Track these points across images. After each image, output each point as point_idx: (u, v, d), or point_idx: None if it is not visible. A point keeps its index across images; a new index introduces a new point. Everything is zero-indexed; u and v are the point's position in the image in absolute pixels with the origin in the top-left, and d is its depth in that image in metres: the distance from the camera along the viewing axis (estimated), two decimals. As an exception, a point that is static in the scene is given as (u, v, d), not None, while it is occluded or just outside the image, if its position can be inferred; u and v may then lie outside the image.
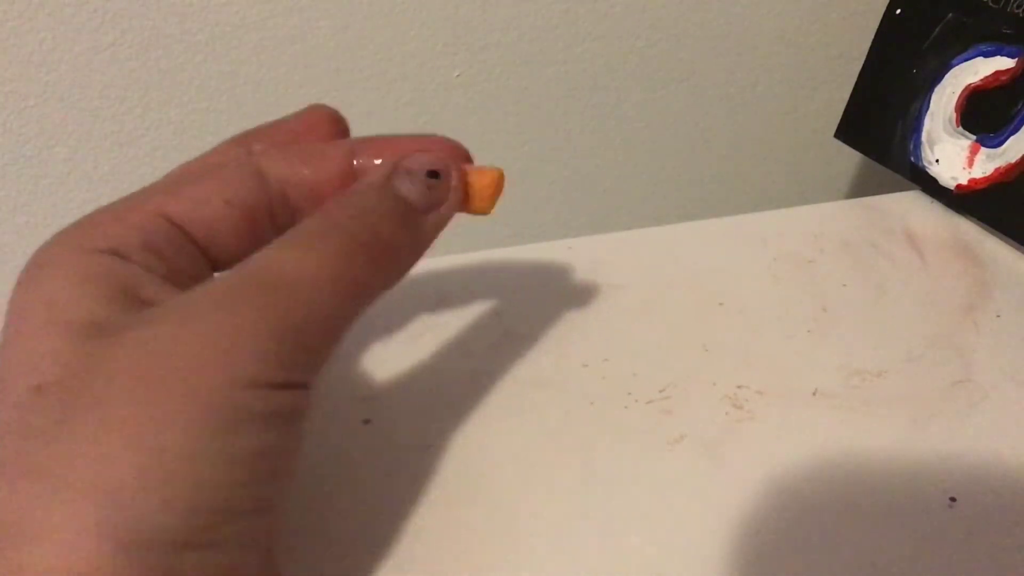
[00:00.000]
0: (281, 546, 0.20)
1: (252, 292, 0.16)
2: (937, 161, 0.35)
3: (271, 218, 0.20)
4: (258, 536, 0.16)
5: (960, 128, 0.35)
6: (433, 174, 0.20)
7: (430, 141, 0.21)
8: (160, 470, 0.14)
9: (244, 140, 0.21)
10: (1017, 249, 0.33)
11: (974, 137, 0.34)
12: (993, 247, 0.33)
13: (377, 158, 0.20)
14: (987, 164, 0.33)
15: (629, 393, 0.25)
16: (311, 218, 0.18)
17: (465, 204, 0.21)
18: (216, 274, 0.19)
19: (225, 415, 0.15)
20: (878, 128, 0.38)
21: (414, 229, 0.19)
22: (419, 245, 0.19)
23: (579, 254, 0.32)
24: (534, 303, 0.29)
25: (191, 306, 0.16)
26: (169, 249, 0.18)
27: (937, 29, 0.35)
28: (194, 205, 0.19)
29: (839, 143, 0.41)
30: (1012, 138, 0.32)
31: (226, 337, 0.15)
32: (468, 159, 0.22)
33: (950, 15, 0.35)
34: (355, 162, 0.20)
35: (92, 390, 0.15)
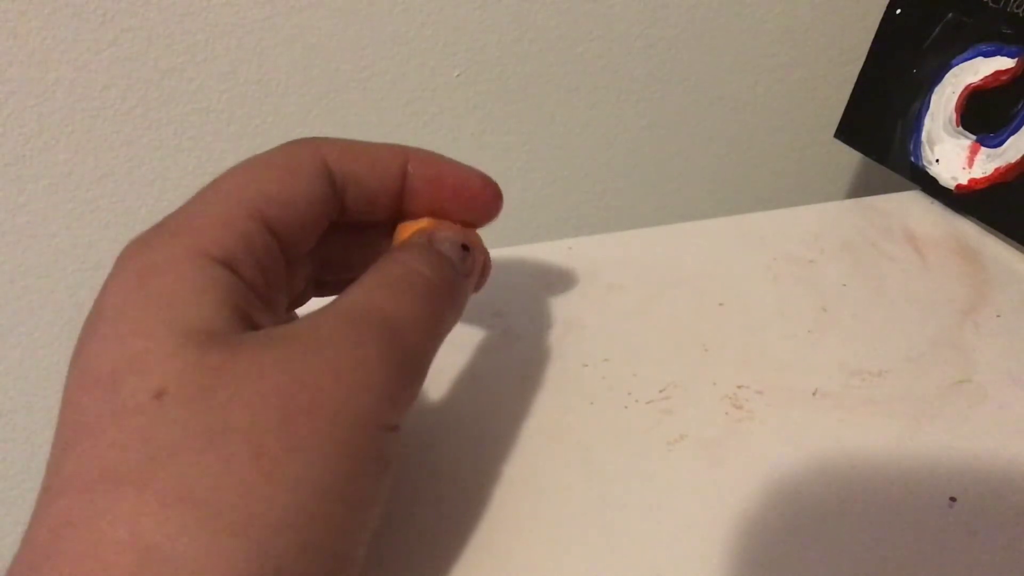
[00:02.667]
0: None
1: (371, 329, 0.17)
2: (937, 161, 0.35)
3: (331, 212, 0.20)
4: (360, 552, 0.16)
5: (960, 128, 0.35)
6: (465, 247, 0.21)
7: (471, 176, 0.22)
8: (301, 510, 0.14)
9: (311, 141, 0.20)
10: (1017, 249, 0.33)
11: (974, 137, 0.34)
12: (993, 247, 0.33)
13: (427, 172, 0.21)
14: (987, 164, 0.33)
15: (629, 393, 0.25)
16: (388, 263, 0.19)
17: None
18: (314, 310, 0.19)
19: (355, 454, 0.15)
20: (878, 128, 0.38)
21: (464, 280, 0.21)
22: (466, 294, 0.21)
23: (579, 254, 0.32)
24: (534, 303, 0.29)
25: (316, 333, 0.16)
26: (268, 259, 0.18)
27: (937, 29, 0.35)
28: (283, 209, 0.18)
29: (839, 143, 0.41)
30: (1012, 138, 0.32)
31: (355, 371, 0.16)
32: (499, 195, 0.23)
33: (950, 15, 0.35)
34: (408, 168, 0.21)
35: (217, 404, 0.14)
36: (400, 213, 0.22)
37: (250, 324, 0.16)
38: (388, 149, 0.21)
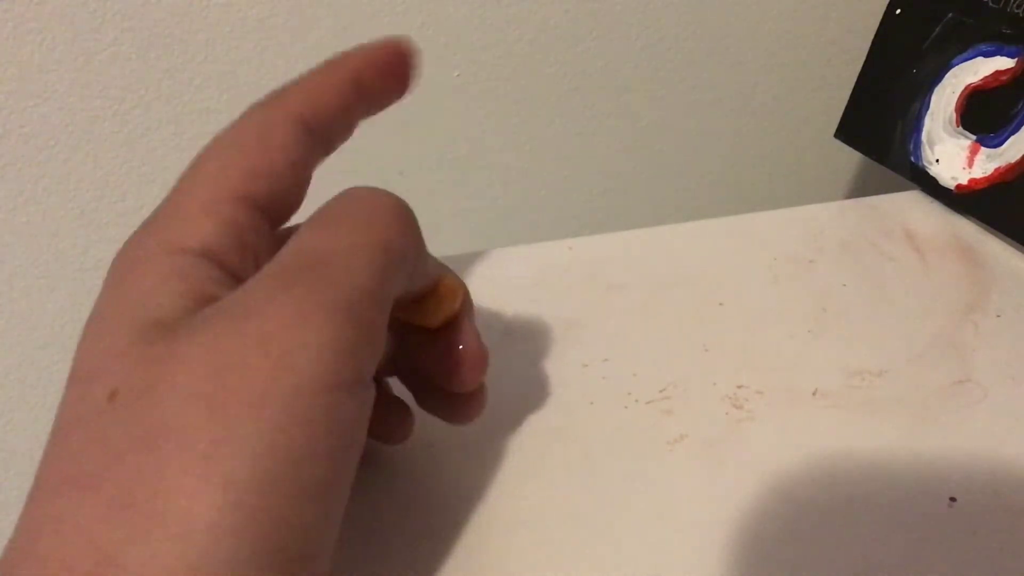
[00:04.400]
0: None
1: (298, 276, 0.15)
2: (937, 161, 0.35)
3: (310, 168, 0.19)
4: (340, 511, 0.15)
5: (960, 128, 0.35)
6: None
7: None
8: (239, 510, 0.13)
9: (276, 100, 0.20)
10: (1017, 249, 0.33)
11: (974, 137, 0.34)
12: (993, 247, 0.33)
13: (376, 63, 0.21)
14: (987, 164, 0.33)
15: (629, 393, 0.25)
16: (326, 205, 0.18)
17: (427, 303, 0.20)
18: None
19: (296, 432, 0.14)
20: (878, 128, 0.38)
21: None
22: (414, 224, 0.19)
23: (579, 254, 0.32)
24: (534, 303, 0.29)
25: (244, 299, 0.15)
26: (255, 237, 0.17)
27: (937, 29, 0.35)
28: (267, 180, 0.18)
29: (839, 143, 0.41)
30: (1012, 138, 0.32)
31: (285, 331, 0.14)
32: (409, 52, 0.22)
33: (950, 15, 0.35)
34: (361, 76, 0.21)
35: (160, 403, 0.14)
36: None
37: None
38: (334, 67, 0.20)
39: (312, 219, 0.17)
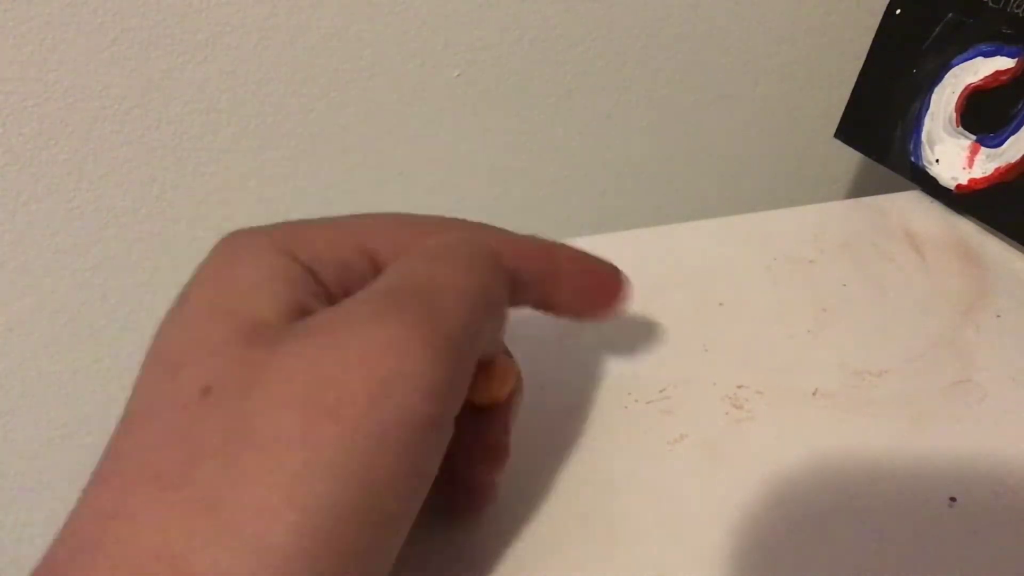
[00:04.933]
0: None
1: (404, 304, 0.15)
2: (937, 161, 0.35)
3: None
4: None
5: (960, 128, 0.35)
6: None
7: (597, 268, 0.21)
8: (318, 535, 0.13)
9: (480, 231, 0.20)
10: (1017, 249, 0.33)
11: (974, 137, 0.34)
12: (993, 247, 0.33)
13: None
14: (987, 164, 0.33)
15: (629, 393, 0.25)
16: (429, 243, 0.18)
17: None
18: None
19: (386, 465, 0.14)
20: (878, 128, 0.38)
21: None
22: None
23: (579, 254, 0.32)
24: (534, 303, 0.29)
25: (347, 317, 0.15)
26: (360, 284, 0.17)
27: (937, 29, 0.35)
28: (396, 246, 0.18)
29: (839, 143, 0.41)
30: (1012, 138, 0.32)
31: (385, 358, 0.14)
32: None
33: (950, 15, 0.35)
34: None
35: (255, 410, 0.14)
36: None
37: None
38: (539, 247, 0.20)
39: (416, 251, 0.17)
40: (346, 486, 0.13)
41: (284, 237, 0.17)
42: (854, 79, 0.40)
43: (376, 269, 0.17)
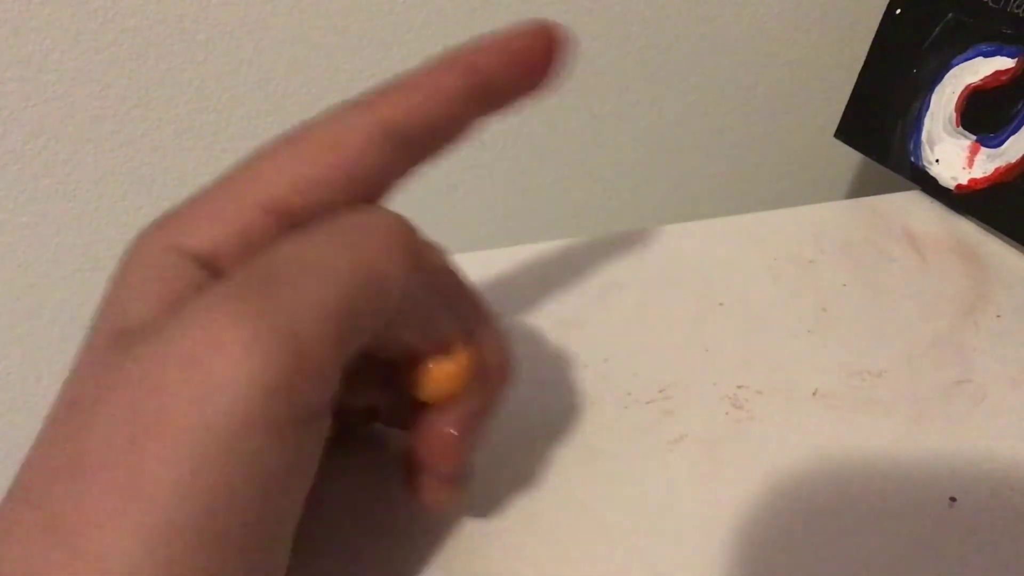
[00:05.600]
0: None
1: (245, 290, 0.14)
2: (937, 161, 0.35)
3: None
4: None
5: (960, 128, 0.35)
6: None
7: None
8: (149, 559, 0.12)
9: (365, 105, 0.17)
10: (1017, 249, 0.33)
11: (974, 137, 0.34)
12: (993, 247, 0.33)
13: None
14: (987, 164, 0.33)
15: (629, 393, 0.25)
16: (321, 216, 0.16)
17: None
18: None
19: (208, 481, 0.13)
20: (878, 128, 0.38)
21: None
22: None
23: (579, 254, 0.32)
24: (534, 303, 0.29)
25: (183, 314, 0.14)
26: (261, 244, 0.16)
27: (937, 29, 0.35)
28: (318, 193, 0.16)
29: (839, 143, 0.41)
30: (1012, 138, 0.32)
31: (208, 355, 0.13)
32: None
33: (950, 15, 0.35)
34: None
35: (95, 424, 0.13)
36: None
37: None
38: (448, 60, 0.18)
39: (296, 230, 0.15)
40: (171, 505, 0.12)
41: (170, 226, 0.16)
42: (854, 79, 0.40)
43: (288, 224, 0.16)
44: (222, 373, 0.13)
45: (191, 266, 0.15)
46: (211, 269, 0.15)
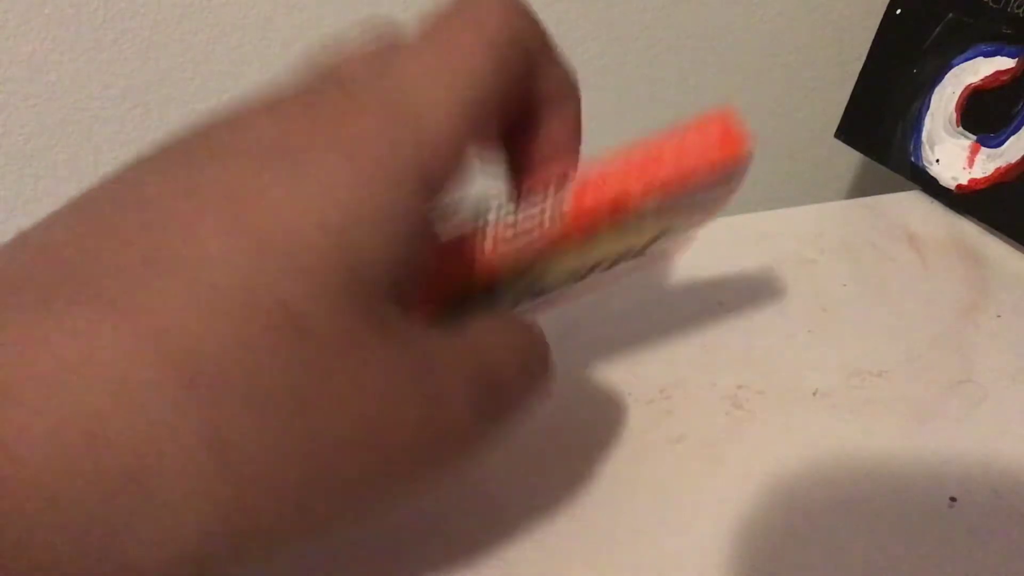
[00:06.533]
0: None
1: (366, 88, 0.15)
2: (937, 161, 0.35)
3: None
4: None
5: (960, 128, 0.35)
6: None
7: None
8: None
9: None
10: (1017, 249, 0.33)
11: (974, 137, 0.34)
12: (993, 247, 0.33)
13: None
14: (987, 164, 0.33)
15: (629, 393, 0.25)
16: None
17: None
18: None
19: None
20: (878, 128, 0.38)
21: None
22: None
23: (579, 254, 0.32)
24: (534, 303, 0.29)
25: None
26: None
27: (937, 29, 0.35)
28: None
29: (839, 143, 0.41)
30: (1012, 138, 0.32)
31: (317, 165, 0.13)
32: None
33: (950, 15, 0.35)
34: None
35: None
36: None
37: None
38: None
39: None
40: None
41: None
42: (854, 79, 0.40)
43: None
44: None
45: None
46: None
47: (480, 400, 0.16)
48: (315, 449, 0.13)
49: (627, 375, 0.26)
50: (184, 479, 0.11)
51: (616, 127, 0.49)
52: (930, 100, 0.36)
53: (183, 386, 0.11)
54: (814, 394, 0.25)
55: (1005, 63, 0.33)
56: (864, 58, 0.39)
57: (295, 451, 0.12)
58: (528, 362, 0.18)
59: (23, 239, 0.13)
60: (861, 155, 0.40)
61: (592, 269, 0.20)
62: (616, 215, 0.18)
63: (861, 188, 0.56)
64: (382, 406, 0.13)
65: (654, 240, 0.20)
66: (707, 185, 0.19)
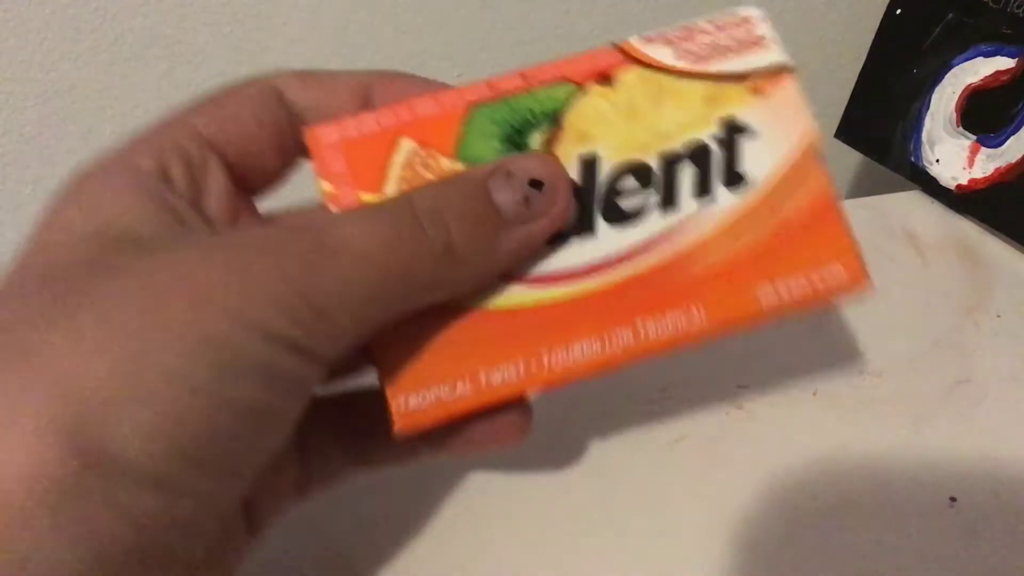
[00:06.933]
0: (279, 543, 0.20)
1: (294, 244, 0.15)
2: (937, 161, 0.35)
3: (296, 142, 0.19)
4: (222, 505, 0.14)
5: (960, 128, 0.35)
6: (536, 184, 0.17)
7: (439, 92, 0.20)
8: (139, 386, 0.13)
9: (263, 75, 0.20)
10: (1017, 249, 0.33)
11: (974, 137, 0.34)
12: (993, 247, 0.33)
13: (393, 95, 0.20)
14: (987, 164, 0.33)
15: (629, 393, 0.25)
16: (396, 195, 0.17)
17: None
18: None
19: (224, 354, 0.13)
20: (878, 128, 0.38)
21: (490, 241, 0.16)
22: (491, 261, 0.16)
23: (579, 254, 0.32)
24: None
25: (231, 239, 0.15)
26: (202, 170, 0.18)
27: (937, 29, 0.35)
28: (224, 123, 0.18)
29: (839, 143, 0.40)
30: (1012, 138, 0.32)
31: (251, 277, 0.14)
32: None
33: (950, 15, 0.35)
34: (373, 92, 0.20)
35: (97, 289, 0.14)
36: None
37: (187, 225, 0.16)
38: (343, 75, 0.19)
39: (367, 206, 0.17)
40: (187, 358, 0.13)
41: (125, 153, 0.18)
42: (854, 79, 0.40)
43: (213, 149, 0.18)
44: (271, 295, 0.14)
45: (161, 183, 0.17)
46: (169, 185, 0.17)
47: None
48: None
49: (627, 375, 0.26)
50: None
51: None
52: (930, 100, 0.36)
53: None
54: (814, 394, 0.25)
55: (1005, 63, 0.33)
56: (864, 58, 0.39)
57: None
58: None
59: None
60: (861, 155, 0.40)
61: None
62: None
63: (861, 188, 0.56)
64: None
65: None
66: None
